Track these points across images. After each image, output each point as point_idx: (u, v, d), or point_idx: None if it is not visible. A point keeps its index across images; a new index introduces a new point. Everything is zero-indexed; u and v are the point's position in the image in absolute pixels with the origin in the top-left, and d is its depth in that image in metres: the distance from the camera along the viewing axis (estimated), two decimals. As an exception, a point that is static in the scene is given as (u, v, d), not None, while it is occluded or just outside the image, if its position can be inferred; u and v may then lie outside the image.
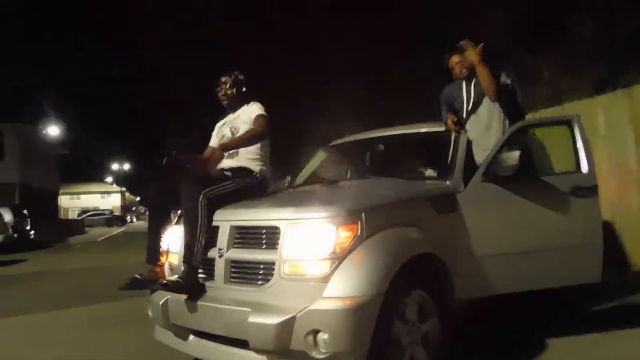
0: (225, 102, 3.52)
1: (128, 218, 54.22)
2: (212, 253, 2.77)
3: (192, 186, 2.84)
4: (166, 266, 3.15)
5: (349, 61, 10.96)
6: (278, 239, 2.52)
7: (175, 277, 2.78)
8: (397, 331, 2.48)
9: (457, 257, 2.92)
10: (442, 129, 3.66)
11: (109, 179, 75.63)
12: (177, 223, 3.16)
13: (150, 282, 3.00)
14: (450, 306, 2.84)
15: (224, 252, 2.70)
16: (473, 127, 3.50)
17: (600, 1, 8.80)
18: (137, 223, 52.44)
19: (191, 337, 2.83)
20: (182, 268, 2.92)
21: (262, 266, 2.57)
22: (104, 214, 47.46)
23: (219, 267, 2.71)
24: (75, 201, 66.97)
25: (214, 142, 3.55)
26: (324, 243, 2.42)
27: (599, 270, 3.30)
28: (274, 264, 2.50)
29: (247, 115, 3.38)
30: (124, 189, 76.36)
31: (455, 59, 3.61)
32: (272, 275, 2.50)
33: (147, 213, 3.16)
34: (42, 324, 4.81)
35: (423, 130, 3.88)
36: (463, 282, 2.91)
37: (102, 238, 23.84)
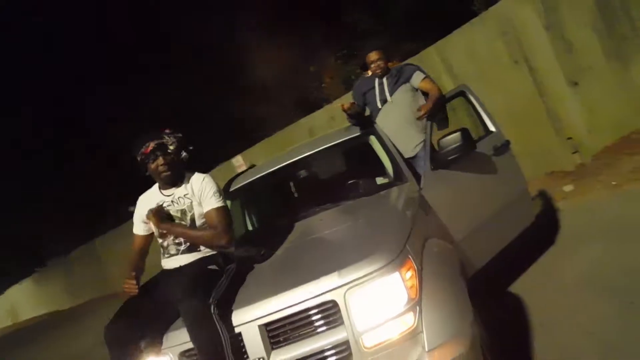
0: (165, 174, 2.62)
1: None
2: (248, 366, 2.14)
3: (194, 300, 2.12)
4: None
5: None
6: (338, 312, 2.08)
7: None
8: None
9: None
10: (357, 133, 3.58)
11: None
12: (146, 352, 2.36)
13: None
14: None
15: (267, 359, 2.11)
16: (390, 118, 3.52)
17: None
18: None
19: None
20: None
21: (330, 352, 2.10)
22: None
23: (271, 378, 2.11)
24: None
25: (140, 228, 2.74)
26: (396, 294, 2.09)
27: (532, 213, 3.72)
28: (346, 342, 2.06)
29: (198, 195, 2.62)
30: None
31: (373, 56, 3.54)
32: (348, 356, 2.06)
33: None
34: None
35: (337, 141, 3.70)
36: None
37: None
